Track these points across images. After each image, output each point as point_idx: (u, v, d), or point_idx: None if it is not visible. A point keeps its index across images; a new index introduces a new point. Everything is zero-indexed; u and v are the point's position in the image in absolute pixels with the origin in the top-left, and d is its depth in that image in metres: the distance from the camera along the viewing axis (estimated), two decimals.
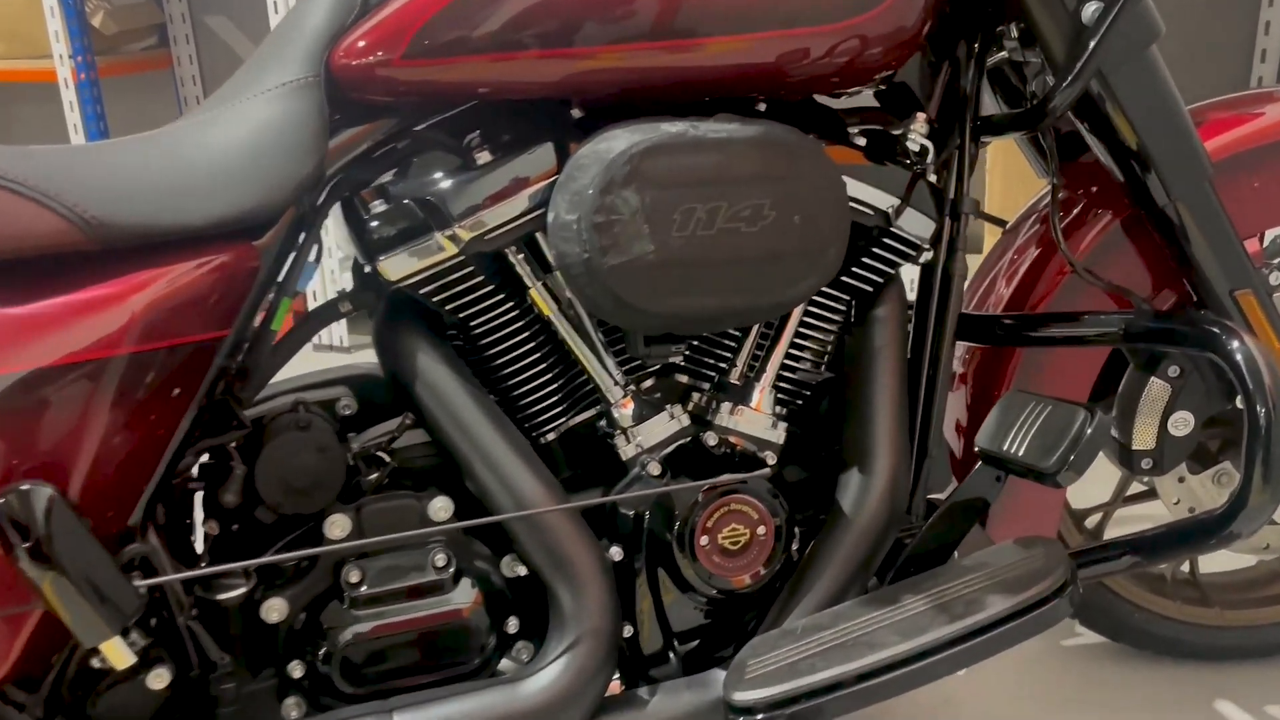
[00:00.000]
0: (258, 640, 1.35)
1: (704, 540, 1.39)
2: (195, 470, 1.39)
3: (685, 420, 1.45)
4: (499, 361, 1.43)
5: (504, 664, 1.40)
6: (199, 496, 1.41)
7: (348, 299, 1.49)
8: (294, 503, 1.37)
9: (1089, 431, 1.28)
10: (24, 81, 3.98)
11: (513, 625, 1.39)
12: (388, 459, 1.45)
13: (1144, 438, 1.68)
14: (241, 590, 1.34)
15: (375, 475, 1.44)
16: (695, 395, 1.53)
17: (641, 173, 1.26)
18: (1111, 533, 1.84)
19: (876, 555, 1.47)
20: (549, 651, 1.34)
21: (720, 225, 1.30)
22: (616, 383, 1.44)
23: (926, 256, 1.55)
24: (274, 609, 1.33)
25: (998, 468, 1.39)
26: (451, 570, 1.36)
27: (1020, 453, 1.33)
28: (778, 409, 1.51)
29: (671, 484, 1.40)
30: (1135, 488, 1.96)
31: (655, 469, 1.41)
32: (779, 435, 1.48)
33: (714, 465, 1.43)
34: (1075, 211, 1.78)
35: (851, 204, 1.44)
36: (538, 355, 1.45)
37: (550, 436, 1.49)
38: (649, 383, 1.53)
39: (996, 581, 1.31)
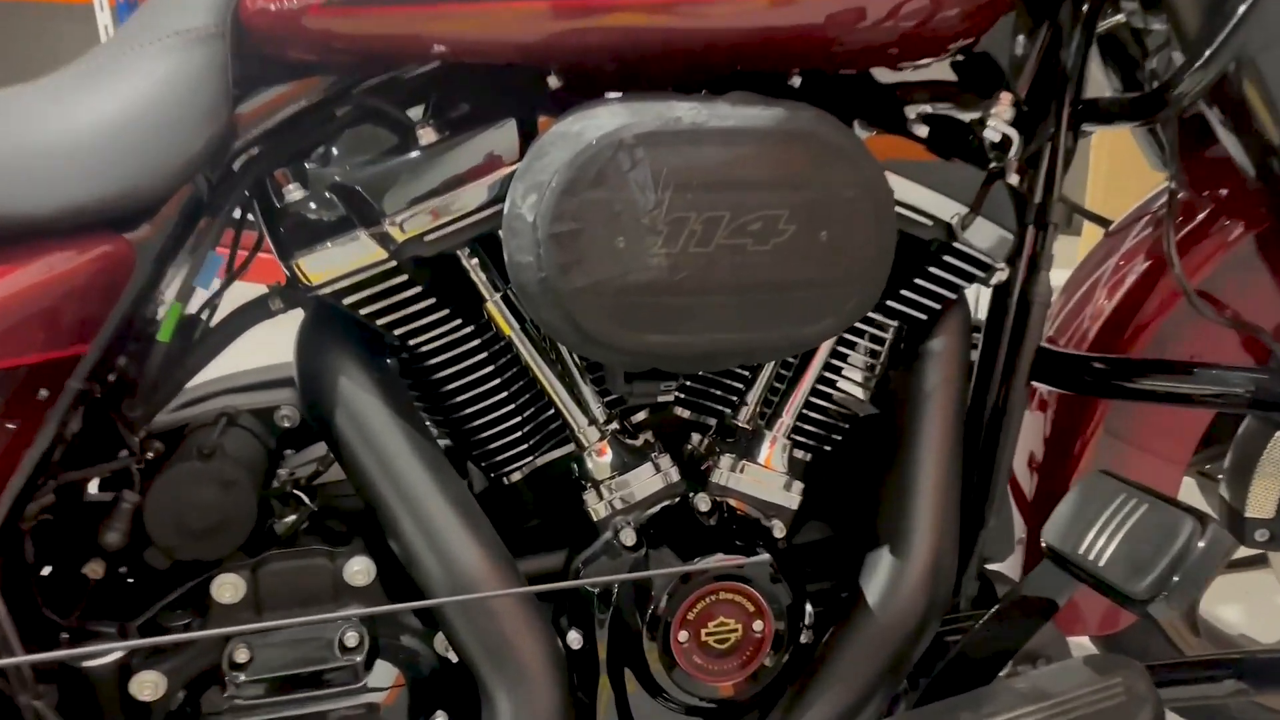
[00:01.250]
0: None
1: (682, 636, 1.10)
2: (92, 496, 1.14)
3: (674, 475, 1.15)
4: (448, 389, 1.15)
5: None
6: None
7: (279, 295, 1.21)
8: (190, 547, 1.11)
9: (1198, 549, 0.96)
10: (62, 3, 3.81)
11: None
12: (306, 500, 1.18)
13: (1262, 504, 1.34)
14: (113, 658, 1.09)
15: (291, 519, 1.17)
16: (693, 439, 1.23)
17: (618, 167, 0.96)
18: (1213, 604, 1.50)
19: (909, 657, 1.17)
20: None
21: (720, 241, 0.99)
22: (593, 422, 1.15)
23: (1000, 277, 1.22)
24: (147, 684, 1.08)
25: (1069, 574, 1.07)
26: (364, 652, 1.09)
27: (1101, 563, 1.01)
28: (793, 464, 1.20)
29: (638, 568, 1.10)
30: (1241, 550, 1.61)
31: (629, 537, 1.12)
32: (792, 499, 1.18)
33: (704, 536, 1.13)
34: (1197, 220, 1.43)
35: (903, 212, 1.12)
36: (497, 383, 1.16)
37: (515, 476, 1.21)
38: (640, 416, 1.23)
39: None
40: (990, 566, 1.36)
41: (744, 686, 1.12)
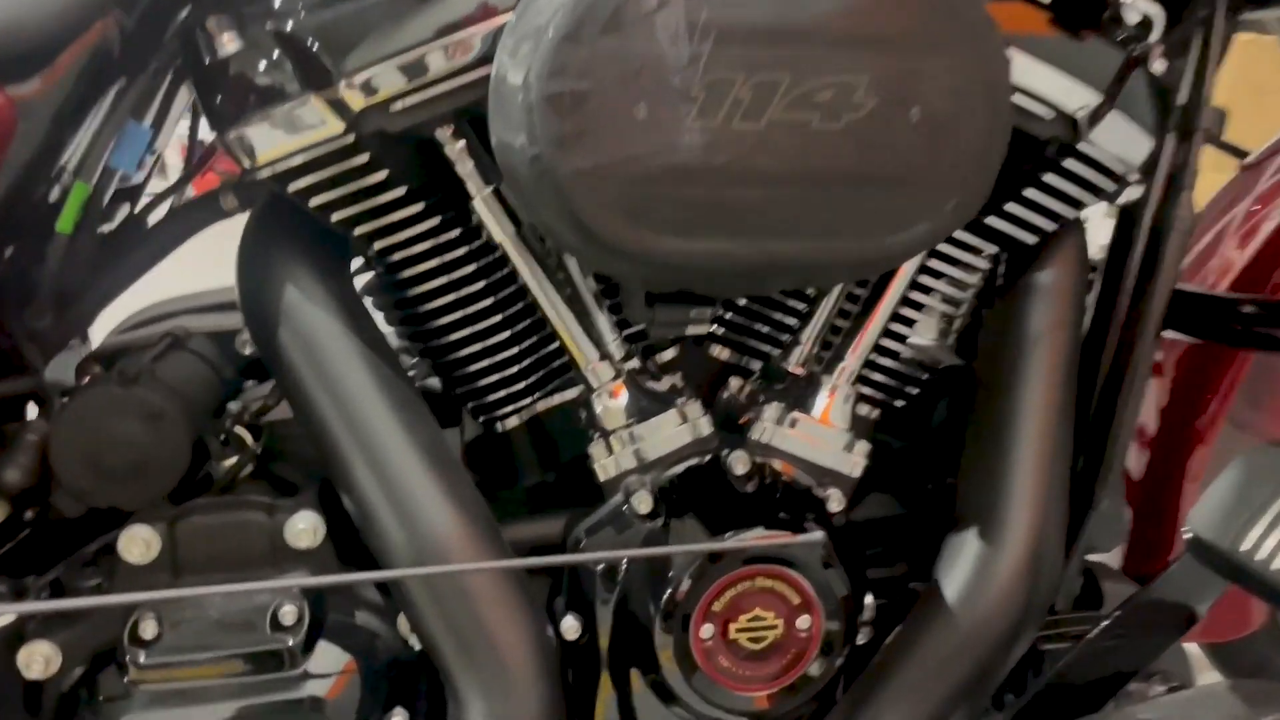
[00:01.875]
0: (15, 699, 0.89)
1: (706, 631, 0.86)
2: None
3: (705, 428, 0.91)
4: (424, 310, 0.92)
5: None
6: None
7: (231, 190, 0.98)
8: (106, 491, 0.89)
9: None
10: None
11: None
12: (248, 440, 0.95)
13: None
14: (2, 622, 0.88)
15: (231, 463, 0.95)
16: (732, 385, 0.98)
17: (640, 6, 0.71)
18: None
19: (997, 670, 0.92)
20: None
21: (776, 115, 0.74)
22: (605, 356, 0.91)
23: (1132, 194, 0.96)
24: (37, 658, 0.86)
25: (1221, 575, 0.81)
26: (304, 632, 0.86)
27: (1274, 565, 0.75)
28: (857, 421, 0.95)
29: (654, 542, 0.86)
30: None
31: (644, 503, 0.88)
32: (853, 464, 0.92)
33: (740, 507, 0.89)
34: None
35: (1016, 99, 0.86)
36: (488, 303, 0.93)
37: (511, 422, 0.97)
38: (666, 355, 0.99)
39: None
40: (1092, 558, 1.11)
41: (782, 699, 0.88)
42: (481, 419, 0.98)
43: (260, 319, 0.88)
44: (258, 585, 0.85)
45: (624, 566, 0.88)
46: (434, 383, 1.16)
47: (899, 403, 1.02)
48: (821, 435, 0.92)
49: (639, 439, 0.90)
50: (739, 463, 0.89)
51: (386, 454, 0.84)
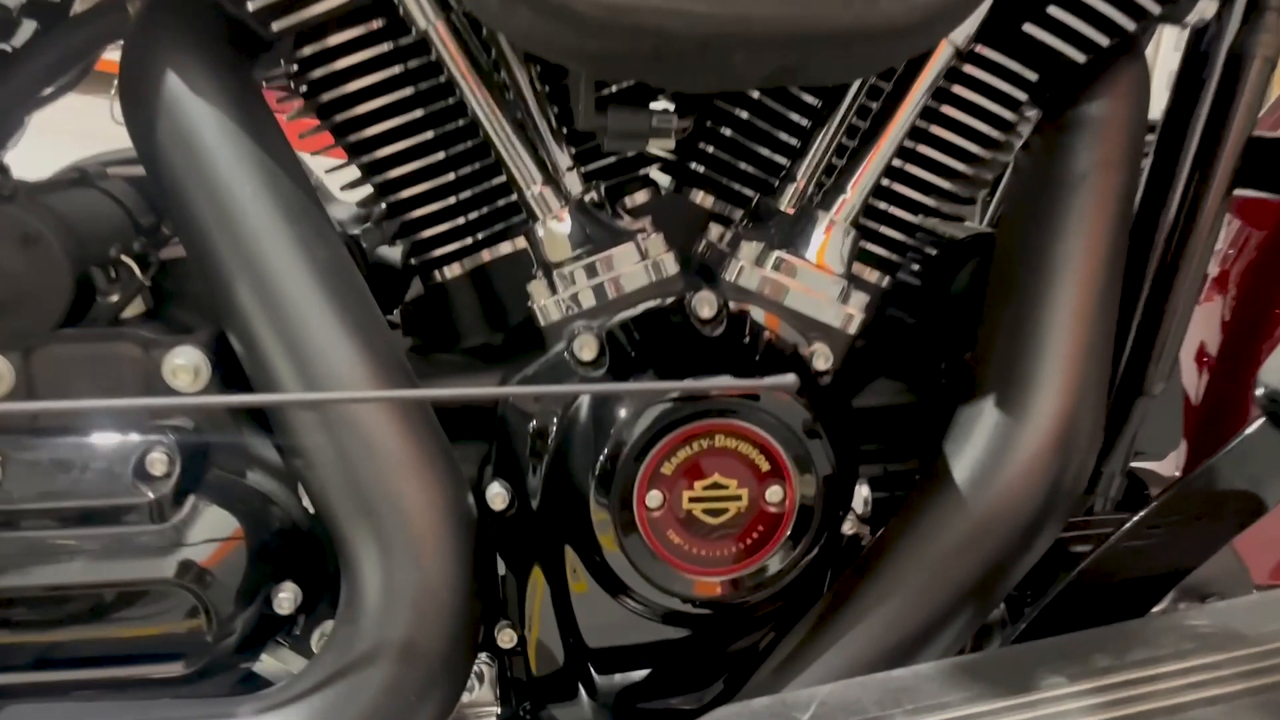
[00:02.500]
0: None
1: (653, 497, 0.70)
2: None
3: (669, 266, 0.75)
4: (343, 119, 0.77)
5: (265, 665, 0.77)
6: None
7: None
8: None
9: None
10: None
11: (286, 599, 0.75)
12: (137, 271, 0.82)
13: None
14: None
15: (116, 299, 0.81)
16: (711, 233, 0.83)
17: None
18: None
19: (1011, 568, 0.76)
20: (325, 662, 0.70)
21: None
22: (550, 180, 0.76)
23: (1205, 10, 0.79)
24: None
25: None
26: (173, 484, 0.72)
27: None
28: (859, 269, 0.79)
29: (605, 380, 0.71)
30: None
31: (588, 349, 0.72)
32: (848, 317, 0.76)
33: (703, 355, 0.73)
34: None
35: None
36: (418, 115, 0.78)
37: (452, 270, 0.83)
38: (638, 199, 0.84)
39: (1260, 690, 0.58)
40: (1141, 465, 0.94)
41: (745, 588, 0.72)
42: (418, 264, 0.84)
43: (138, 114, 0.74)
44: (112, 403, 0.71)
45: (555, 424, 0.73)
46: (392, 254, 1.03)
47: (911, 265, 0.86)
48: (810, 280, 0.75)
49: (587, 276, 0.74)
50: (704, 305, 0.73)
51: (272, 272, 0.70)
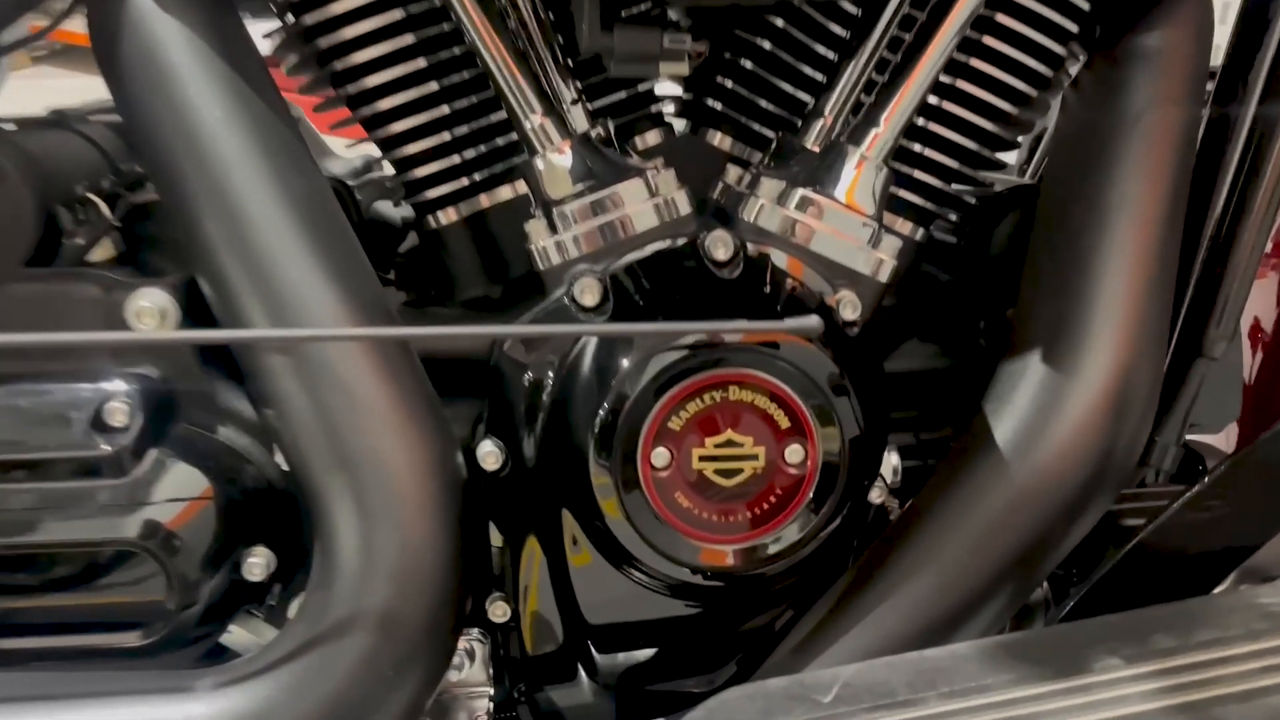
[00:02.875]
0: None
1: (658, 456, 0.63)
2: None
3: (681, 206, 0.68)
4: (333, 43, 0.71)
5: (236, 637, 0.71)
6: None
7: None
8: None
9: None
10: None
11: (258, 564, 0.68)
12: (105, 210, 0.75)
13: None
14: None
15: (82, 240, 0.75)
16: (730, 175, 0.76)
17: None
18: None
19: (1056, 544, 0.68)
20: (294, 633, 0.63)
21: None
22: (551, 110, 0.69)
23: None
24: None
25: None
26: (133, 434, 0.66)
27: None
28: (891, 219, 0.72)
29: (613, 322, 0.65)
30: None
31: (590, 293, 0.66)
32: (879, 263, 0.69)
33: (716, 299, 0.66)
34: None
35: None
36: (410, 40, 0.71)
37: (447, 217, 0.76)
38: (651, 140, 0.77)
39: None
40: (1195, 436, 0.86)
41: (761, 557, 0.65)
42: (413, 209, 0.77)
43: (104, 35, 0.68)
44: (62, 337, 0.65)
45: (553, 375, 0.66)
46: None
47: (948, 216, 0.79)
48: (838, 220, 0.68)
49: (592, 214, 0.68)
50: (719, 245, 0.66)
51: (242, 202, 0.64)
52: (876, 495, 0.72)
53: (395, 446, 0.63)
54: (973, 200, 0.81)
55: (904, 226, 0.76)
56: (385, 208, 1.00)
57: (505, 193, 0.76)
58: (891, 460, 0.75)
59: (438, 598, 0.63)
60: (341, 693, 0.61)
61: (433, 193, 0.75)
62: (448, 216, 0.77)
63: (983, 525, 0.67)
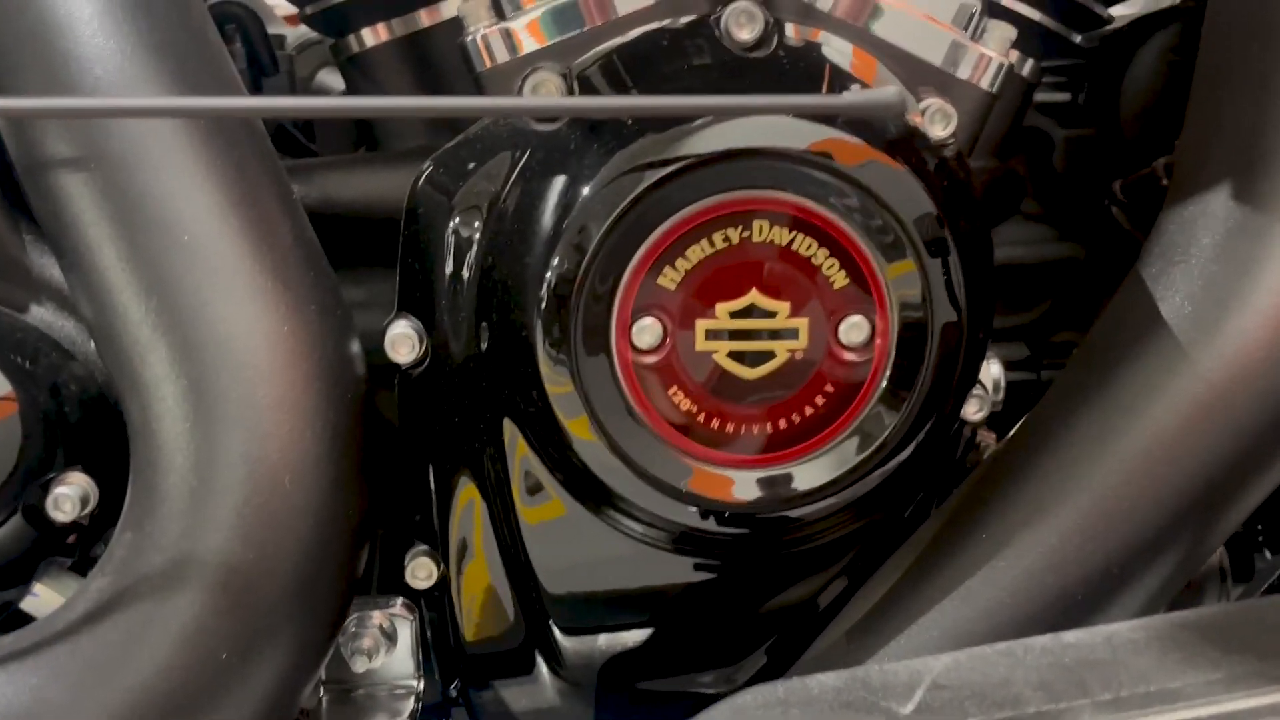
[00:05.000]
0: None
1: (645, 330, 0.41)
2: None
3: None
4: None
5: (43, 601, 0.49)
6: None
7: None
8: None
9: None
10: None
11: (68, 497, 0.47)
12: None
13: None
14: None
15: None
16: None
17: None
18: None
19: (1248, 482, 0.45)
20: (90, 594, 0.42)
21: None
22: None
23: None
24: None
25: None
26: None
27: None
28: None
29: (560, 161, 0.43)
30: None
31: (551, 92, 0.44)
32: (981, 63, 0.46)
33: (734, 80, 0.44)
34: None
35: None
36: None
37: (376, 36, 0.57)
38: None
39: None
40: None
41: (798, 493, 0.43)
42: (325, 27, 0.57)
43: None
44: None
45: (485, 213, 0.44)
46: None
47: (1072, 36, 0.56)
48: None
49: None
50: (742, 19, 0.44)
51: None
52: (975, 410, 0.49)
53: (252, 314, 0.42)
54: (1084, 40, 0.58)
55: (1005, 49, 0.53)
56: (329, 78, 0.80)
57: (451, 8, 0.56)
58: (991, 371, 0.52)
59: (311, 543, 0.42)
60: (150, 683, 0.40)
61: None
62: (376, 36, 0.57)
63: (1140, 450, 0.44)
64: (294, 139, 0.75)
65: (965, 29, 0.46)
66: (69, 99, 0.41)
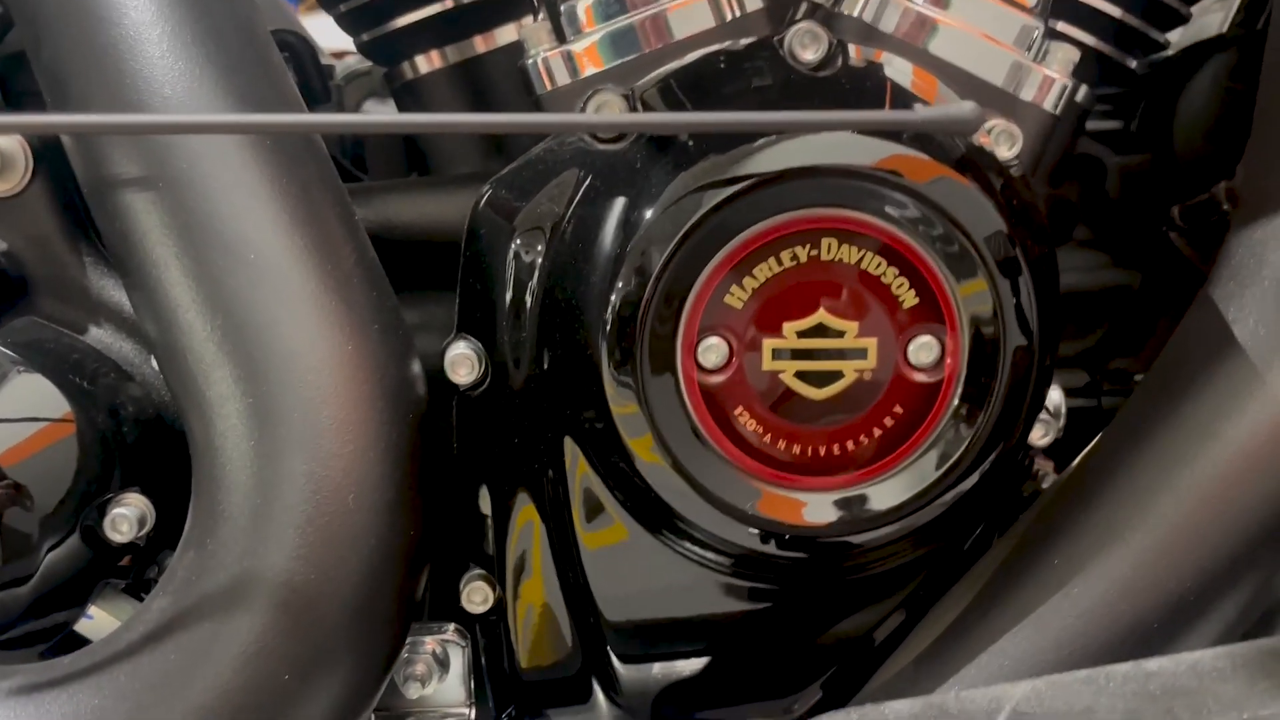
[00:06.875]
0: None
1: (710, 349, 0.41)
2: None
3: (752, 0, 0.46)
4: None
5: (97, 624, 0.49)
6: None
7: None
8: None
9: None
10: None
11: (125, 518, 0.47)
12: None
13: None
14: None
15: None
16: None
17: None
18: None
19: None
20: (150, 616, 0.41)
21: None
22: None
23: None
24: None
25: None
26: None
27: None
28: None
29: (623, 180, 0.43)
30: None
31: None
32: (1042, 85, 0.46)
33: (795, 98, 0.44)
34: None
35: None
36: None
37: (430, 63, 0.58)
38: None
39: None
40: None
41: (865, 516, 0.42)
42: (380, 53, 0.57)
43: None
44: None
45: (548, 237, 0.44)
46: None
47: (1128, 61, 0.56)
48: (984, 15, 0.46)
49: (616, 9, 0.46)
50: (807, 40, 0.44)
51: None
52: (1041, 435, 0.48)
53: (316, 333, 0.42)
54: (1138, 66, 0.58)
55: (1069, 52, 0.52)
56: (376, 108, 0.81)
57: (508, 34, 0.56)
58: (1054, 396, 0.51)
59: (373, 565, 0.41)
60: (211, 704, 0.39)
61: (403, 18, 0.55)
62: (430, 63, 0.57)
63: (1214, 474, 0.43)
64: (343, 168, 0.75)
65: (1027, 50, 0.46)
66: (138, 115, 0.41)
